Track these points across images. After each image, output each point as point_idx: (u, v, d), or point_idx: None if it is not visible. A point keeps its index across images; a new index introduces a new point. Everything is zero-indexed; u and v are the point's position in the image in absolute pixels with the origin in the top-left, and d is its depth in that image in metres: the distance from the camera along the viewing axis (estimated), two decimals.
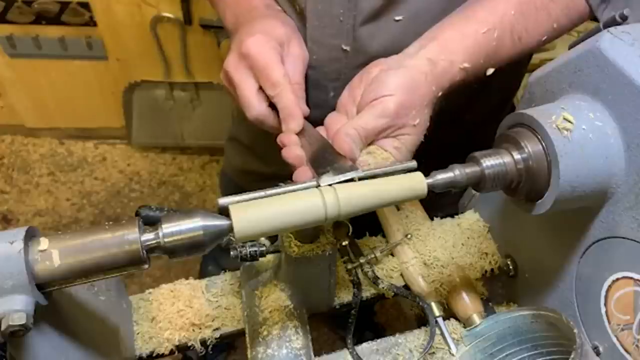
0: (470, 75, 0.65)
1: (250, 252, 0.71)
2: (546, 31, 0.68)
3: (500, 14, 0.65)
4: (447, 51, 0.63)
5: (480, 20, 0.65)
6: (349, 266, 0.80)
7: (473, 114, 0.91)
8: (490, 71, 0.67)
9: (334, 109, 0.68)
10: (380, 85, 0.61)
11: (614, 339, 0.60)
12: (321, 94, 0.79)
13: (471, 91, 0.85)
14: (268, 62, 0.64)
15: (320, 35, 0.74)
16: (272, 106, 0.66)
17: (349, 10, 0.71)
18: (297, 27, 0.74)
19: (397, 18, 0.71)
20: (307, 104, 0.68)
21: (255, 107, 0.66)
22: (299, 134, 0.64)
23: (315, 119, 0.67)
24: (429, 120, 0.64)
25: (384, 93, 0.60)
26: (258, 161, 1.03)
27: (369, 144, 0.62)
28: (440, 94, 0.63)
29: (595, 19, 0.69)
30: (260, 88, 0.66)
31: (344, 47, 0.74)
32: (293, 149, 0.62)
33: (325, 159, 0.59)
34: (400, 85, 0.60)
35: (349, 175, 0.55)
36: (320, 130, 0.66)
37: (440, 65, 0.62)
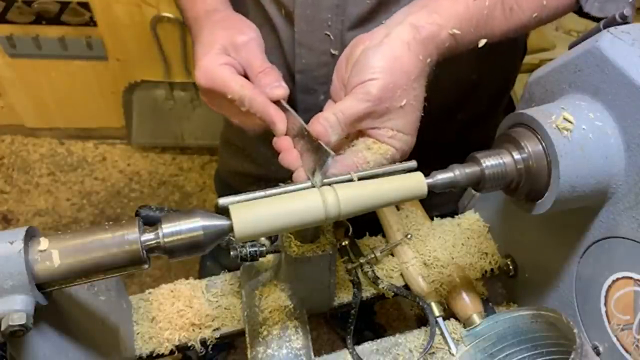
0: (461, 44, 0.63)
1: (250, 252, 0.71)
2: (536, 6, 0.67)
3: None
4: (435, 15, 0.61)
5: None
6: (349, 266, 0.80)
7: (466, 112, 0.91)
8: (482, 42, 0.65)
9: None
10: (363, 69, 0.59)
11: (614, 339, 0.60)
12: (311, 98, 0.79)
13: (463, 90, 0.85)
14: (222, 84, 0.64)
15: (308, 40, 0.74)
16: None
17: (337, 15, 0.71)
18: (285, 32, 0.73)
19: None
20: (297, 108, 0.67)
21: (250, 128, 0.68)
22: (288, 129, 0.64)
23: (307, 122, 0.67)
24: (424, 91, 0.61)
25: (366, 77, 0.58)
26: (251, 163, 1.03)
27: (362, 136, 0.61)
28: (429, 60, 0.61)
29: (580, 10, 0.69)
30: None
31: (333, 52, 0.74)
32: (289, 154, 0.61)
33: (310, 148, 0.58)
34: (383, 67, 0.58)
35: (328, 164, 0.54)
36: None
37: (426, 29, 0.60)
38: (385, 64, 0.58)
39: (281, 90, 0.64)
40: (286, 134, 0.63)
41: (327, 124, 0.58)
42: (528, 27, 0.69)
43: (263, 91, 0.64)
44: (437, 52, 0.61)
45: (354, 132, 0.61)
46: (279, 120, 0.63)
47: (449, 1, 0.62)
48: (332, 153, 0.55)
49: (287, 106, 0.64)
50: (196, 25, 0.72)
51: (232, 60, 0.66)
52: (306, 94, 0.78)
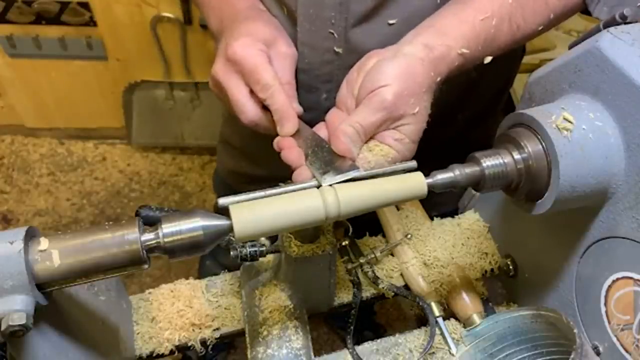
0: (469, 62, 0.65)
1: (250, 252, 0.71)
2: (543, 21, 0.68)
3: (499, 3, 0.65)
4: (444, 37, 0.62)
5: (477, 8, 0.64)
6: (349, 266, 0.80)
7: (466, 112, 0.91)
8: (488, 59, 0.66)
9: (326, 111, 0.67)
10: (377, 76, 0.60)
11: (614, 339, 0.60)
12: (313, 97, 0.78)
13: (463, 89, 0.85)
14: (257, 65, 0.63)
15: (311, 38, 0.73)
16: (265, 109, 0.66)
17: (340, 13, 0.70)
18: (287, 31, 0.74)
19: (390, 22, 0.71)
20: (299, 105, 0.68)
21: (249, 111, 0.66)
22: (294, 135, 0.64)
23: (307, 122, 0.67)
24: (430, 107, 0.62)
25: (380, 84, 0.59)
26: (249, 163, 1.03)
27: (369, 139, 0.61)
28: (439, 79, 0.62)
29: (587, 11, 0.69)
30: (252, 92, 0.65)
31: (336, 49, 0.74)
32: (292, 151, 0.61)
33: (323, 159, 0.58)
34: (397, 75, 0.59)
35: (350, 175, 0.55)
36: (321, 126, 0.66)
37: (437, 50, 0.61)
38: (399, 72, 0.59)
39: (296, 106, 0.66)
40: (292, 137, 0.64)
41: (348, 140, 0.58)
42: (532, 38, 0.70)
43: None
44: (447, 71, 0.63)
45: None
46: (293, 119, 0.63)
47: (456, 21, 0.63)
48: (359, 167, 0.56)
49: (301, 121, 0.65)
50: (236, 16, 0.71)
51: (269, 55, 0.66)
52: (308, 93, 0.78)
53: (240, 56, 0.64)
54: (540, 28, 0.68)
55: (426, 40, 0.62)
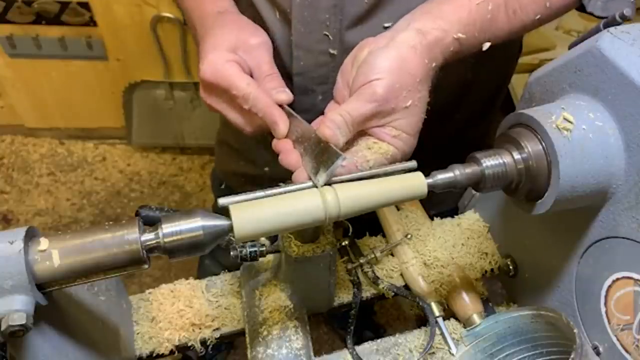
0: (466, 48, 0.64)
1: (250, 252, 0.71)
2: (539, 8, 0.67)
3: None
4: (439, 21, 0.61)
5: None
6: (349, 266, 0.80)
7: (463, 111, 0.91)
8: (486, 46, 0.65)
9: (322, 113, 0.67)
10: (369, 69, 0.59)
11: (614, 339, 0.60)
12: (309, 99, 0.78)
13: (460, 88, 0.85)
14: (228, 80, 0.63)
15: (306, 41, 0.73)
16: None
17: (335, 15, 0.70)
18: (280, 34, 0.73)
19: (386, 25, 0.71)
20: (294, 109, 0.67)
21: (247, 127, 0.67)
22: (289, 132, 0.64)
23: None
24: (429, 95, 0.62)
25: (372, 77, 0.58)
26: (246, 164, 1.03)
27: (364, 134, 0.61)
28: (434, 65, 0.61)
29: (582, 7, 0.69)
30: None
31: (331, 51, 0.73)
32: (289, 155, 0.61)
33: (313, 153, 0.58)
34: (389, 67, 0.58)
35: (337, 164, 0.54)
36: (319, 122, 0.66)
37: (431, 34, 0.60)
38: (392, 64, 0.58)
39: (285, 95, 0.66)
40: (286, 137, 0.63)
41: (334, 126, 0.57)
42: (530, 28, 0.69)
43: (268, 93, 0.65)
44: (442, 57, 0.62)
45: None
46: (281, 121, 0.63)
47: (452, 6, 0.63)
48: (343, 154, 0.55)
49: (291, 110, 0.65)
50: (204, 24, 0.71)
51: (240, 59, 0.66)
52: (304, 95, 0.78)
53: (210, 78, 0.64)
54: (537, 17, 0.68)
55: (420, 25, 0.61)
